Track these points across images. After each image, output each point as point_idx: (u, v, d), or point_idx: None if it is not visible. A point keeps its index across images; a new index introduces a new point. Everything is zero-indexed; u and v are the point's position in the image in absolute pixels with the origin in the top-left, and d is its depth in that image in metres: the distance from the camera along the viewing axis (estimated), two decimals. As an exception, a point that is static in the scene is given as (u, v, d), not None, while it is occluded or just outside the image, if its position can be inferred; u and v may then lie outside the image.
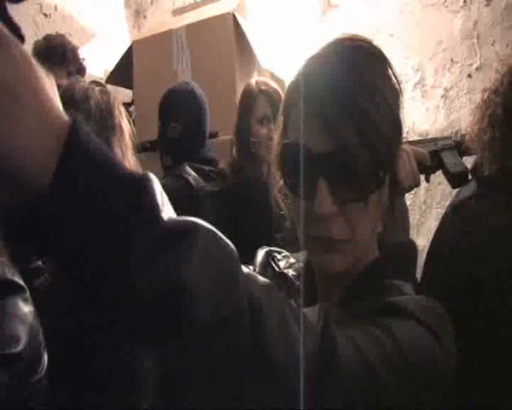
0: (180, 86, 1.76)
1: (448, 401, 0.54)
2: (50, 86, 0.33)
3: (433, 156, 1.05)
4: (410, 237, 1.15)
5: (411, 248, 0.66)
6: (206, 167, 1.68)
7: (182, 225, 0.35)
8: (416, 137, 1.86)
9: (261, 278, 0.42)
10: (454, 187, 1.09)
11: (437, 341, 0.51)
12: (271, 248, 0.77)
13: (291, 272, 0.71)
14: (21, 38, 0.35)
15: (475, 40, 2.10)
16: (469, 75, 2.12)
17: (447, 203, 1.16)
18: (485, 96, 0.96)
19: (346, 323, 0.50)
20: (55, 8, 2.53)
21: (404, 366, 0.47)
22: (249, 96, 1.67)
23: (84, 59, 2.12)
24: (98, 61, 2.50)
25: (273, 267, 0.72)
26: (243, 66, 2.02)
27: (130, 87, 2.33)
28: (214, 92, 1.85)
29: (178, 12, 2.53)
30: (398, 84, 0.59)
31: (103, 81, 2.22)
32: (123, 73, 2.30)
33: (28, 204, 0.31)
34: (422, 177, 1.01)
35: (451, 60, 2.16)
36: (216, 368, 0.37)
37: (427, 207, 2.20)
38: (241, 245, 0.45)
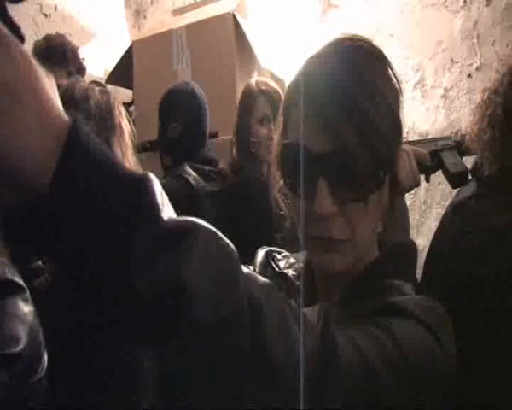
0: (180, 86, 1.76)
1: (448, 401, 0.54)
2: (50, 86, 0.33)
3: (433, 156, 1.05)
4: (410, 237, 1.15)
5: (411, 248, 0.66)
6: (206, 167, 1.68)
7: (182, 225, 0.35)
8: (416, 137, 1.86)
9: (261, 278, 0.42)
10: (454, 187, 1.09)
11: (437, 341, 0.51)
12: (271, 248, 0.77)
13: (291, 272, 0.71)
14: (21, 38, 0.35)
15: (475, 40, 2.10)
16: (469, 75, 2.12)
17: (447, 203, 1.16)
18: (485, 96, 0.96)
19: (346, 323, 0.50)
20: (55, 8, 2.53)
21: (404, 366, 0.47)
22: (249, 96, 1.67)
23: (84, 59, 2.12)
24: (98, 61, 2.50)
25: (273, 267, 0.72)
26: (243, 66, 2.02)
27: (130, 87, 2.33)
28: (214, 92, 1.85)
29: (178, 12, 2.53)
30: (398, 84, 0.59)
31: (103, 81, 2.22)
32: (123, 73, 2.29)
33: (28, 204, 0.31)
34: (422, 177, 1.01)
35: (451, 60, 2.16)
36: (216, 368, 0.37)
37: (427, 207, 2.20)
38: (241, 245, 0.45)
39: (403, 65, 2.18)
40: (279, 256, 0.75)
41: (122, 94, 2.38)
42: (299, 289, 0.67)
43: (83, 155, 0.32)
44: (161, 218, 0.34)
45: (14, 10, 0.36)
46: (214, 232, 0.37)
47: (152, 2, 3.04)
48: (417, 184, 0.93)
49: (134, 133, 1.20)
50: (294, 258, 0.74)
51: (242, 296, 0.37)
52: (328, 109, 0.53)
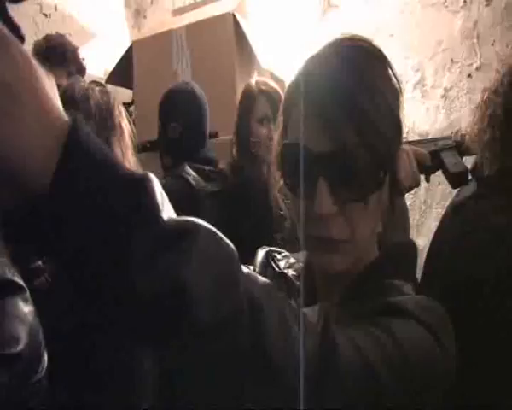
0: (180, 86, 1.76)
1: (448, 401, 0.54)
2: (50, 86, 0.33)
3: (433, 156, 1.05)
4: (410, 237, 1.15)
5: (411, 248, 0.66)
6: (206, 167, 1.67)
7: (182, 225, 0.35)
8: (416, 137, 1.85)
9: (261, 278, 0.42)
10: (454, 187, 1.09)
11: (437, 341, 0.51)
12: (271, 248, 0.77)
13: (291, 272, 0.71)
14: (21, 38, 0.35)
15: (475, 40, 2.10)
16: (469, 75, 2.12)
17: (447, 203, 1.16)
18: (485, 96, 0.96)
19: (346, 323, 0.50)
20: (55, 8, 2.53)
21: (404, 366, 0.47)
22: (249, 96, 1.67)
23: (84, 59, 2.13)
24: (98, 61, 2.50)
25: (273, 267, 0.72)
26: (243, 66, 2.02)
27: (130, 87, 2.33)
28: (214, 92, 1.85)
29: (178, 12, 2.53)
30: (398, 84, 0.59)
31: (103, 81, 2.22)
32: (123, 73, 2.30)
33: (28, 204, 0.31)
34: (422, 177, 1.01)
35: (451, 60, 2.16)
36: (216, 368, 0.37)
37: (427, 207, 2.20)
38: (241, 245, 0.45)
39: (403, 65, 2.18)
40: (279, 256, 0.75)
41: (122, 94, 2.38)
42: (299, 289, 0.67)
43: (83, 155, 0.32)
44: (161, 218, 0.34)
45: (14, 10, 0.36)
46: (214, 232, 0.37)
47: (152, 2, 3.04)
48: (417, 184, 0.93)
49: (134, 133, 1.20)
50: (294, 258, 0.74)
51: (242, 296, 0.37)
52: (328, 109, 0.53)
